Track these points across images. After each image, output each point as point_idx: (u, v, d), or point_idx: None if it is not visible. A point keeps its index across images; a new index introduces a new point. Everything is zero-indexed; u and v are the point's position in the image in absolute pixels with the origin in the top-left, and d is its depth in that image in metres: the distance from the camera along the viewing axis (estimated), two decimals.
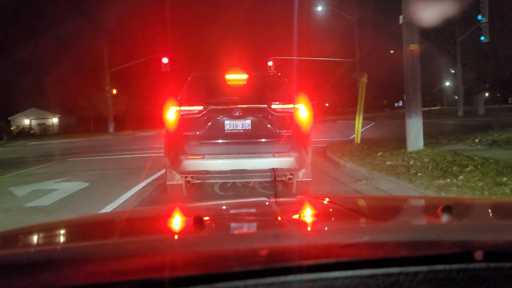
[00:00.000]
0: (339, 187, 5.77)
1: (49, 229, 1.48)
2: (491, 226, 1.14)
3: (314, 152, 4.84)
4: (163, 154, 4.89)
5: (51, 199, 5.56)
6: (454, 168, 5.68)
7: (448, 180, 4.97)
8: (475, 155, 6.60)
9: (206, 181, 5.20)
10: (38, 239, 1.31)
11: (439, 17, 7.47)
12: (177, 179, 4.73)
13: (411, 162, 6.57)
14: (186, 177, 4.66)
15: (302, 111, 4.62)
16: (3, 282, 0.73)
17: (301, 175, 4.74)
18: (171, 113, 4.63)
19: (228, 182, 5.77)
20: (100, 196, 5.65)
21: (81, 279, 0.74)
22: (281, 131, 4.61)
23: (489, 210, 1.52)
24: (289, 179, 4.69)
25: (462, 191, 4.44)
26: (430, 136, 10.18)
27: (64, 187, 6.46)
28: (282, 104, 4.67)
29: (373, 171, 6.24)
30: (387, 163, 6.78)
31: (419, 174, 5.52)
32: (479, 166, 5.60)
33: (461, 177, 5.04)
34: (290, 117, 4.62)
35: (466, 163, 5.96)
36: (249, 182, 5.55)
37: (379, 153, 7.99)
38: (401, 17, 7.82)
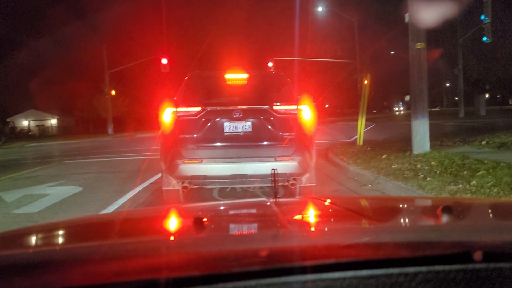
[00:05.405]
0: (344, 192, 5.52)
1: (49, 230, 1.47)
2: (491, 227, 1.14)
3: (316, 154, 4.58)
4: (159, 158, 4.63)
5: (41, 205, 5.29)
6: (464, 172, 5.41)
7: (460, 185, 4.71)
8: (484, 158, 6.33)
9: (204, 186, 4.94)
10: (38, 240, 1.29)
11: (446, 14, 7.21)
12: (174, 185, 4.47)
13: (418, 166, 6.31)
14: (183, 182, 4.40)
15: (306, 112, 4.35)
16: (3, 282, 0.73)
17: (305, 180, 4.48)
18: (167, 115, 4.36)
19: (227, 188, 5.51)
20: (92, 202, 5.38)
21: (81, 279, 0.74)
22: (283, 134, 4.33)
23: (489, 211, 1.52)
24: (292, 184, 4.42)
25: (477, 197, 4.17)
26: (433, 137, 9.91)
27: (56, 192, 6.18)
28: (284, 105, 4.39)
29: (379, 175, 5.98)
30: (393, 166, 6.52)
31: (428, 179, 5.26)
32: (491, 170, 5.34)
33: (474, 182, 4.77)
34: (293, 118, 4.35)
35: (477, 166, 5.70)
36: (249, 187, 5.29)
37: (383, 156, 7.73)
38: (406, 15, 7.57)
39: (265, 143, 4.34)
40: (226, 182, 4.48)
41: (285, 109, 4.36)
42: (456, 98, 36.40)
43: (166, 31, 36.25)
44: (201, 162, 4.28)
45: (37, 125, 46.62)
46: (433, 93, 52.78)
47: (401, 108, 76.54)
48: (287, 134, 4.32)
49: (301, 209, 1.73)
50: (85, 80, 39.11)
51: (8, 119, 43.45)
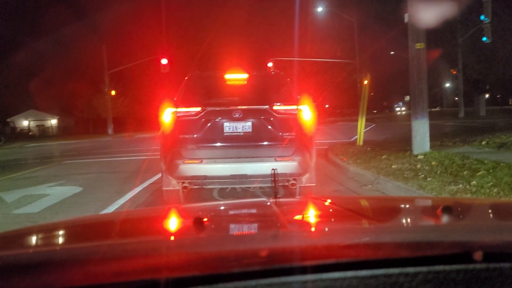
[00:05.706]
0: (344, 192, 5.52)
1: (49, 230, 1.48)
2: (491, 227, 1.14)
3: (316, 154, 4.58)
4: (159, 158, 4.63)
5: (41, 206, 5.29)
6: (465, 173, 5.41)
7: (461, 185, 4.71)
8: (485, 159, 6.34)
9: (204, 186, 4.94)
10: (38, 240, 1.29)
11: (446, 14, 7.21)
12: (174, 185, 4.48)
13: (418, 166, 6.31)
14: (183, 182, 4.40)
15: (306, 113, 4.35)
16: (3, 282, 0.73)
17: (305, 180, 4.48)
18: (167, 115, 4.36)
19: (227, 188, 5.51)
20: (92, 202, 5.38)
21: (81, 279, 0.74)
22: (283, 134, 4.33)
23: (489, 211, 1.52)
24: (292, 184, 4.42)
25: (477, 197, 4.17)
26: (433, 138, 9.90)
27: (56, 192, 6.18)
28: (284, 105, 4.39)
29: (379, 175, 5.98)
30: (393, 166, 6.52)
31: (428, 179, 5.26)
32: (491, 171, 5.34)
33: (474, 182, 4.77)
34: (293, 119, 4.35)
35: (477, 167, 5.70)
36: (249, 187, 5.29)
37: (383, 156, 7.73)
38: (406, 15, 7.57)
39: (265, 143, 4.34)
40: (226, 182, 4.49)
41: (285, 109, 4.36)
42: (456, 98, 36.41)
43: (166, 31, 36.26)
44: (201, 162, 4.28)
45: (37, 125, 46.67)
46: (433, 93, 52.84)
47: (403, 108, 76.49)
48: (287, 134, 4.32)
49: (301, 209, 1.73)
50: (85, 80, 39.12)
51: (8, 119, 43.43)
